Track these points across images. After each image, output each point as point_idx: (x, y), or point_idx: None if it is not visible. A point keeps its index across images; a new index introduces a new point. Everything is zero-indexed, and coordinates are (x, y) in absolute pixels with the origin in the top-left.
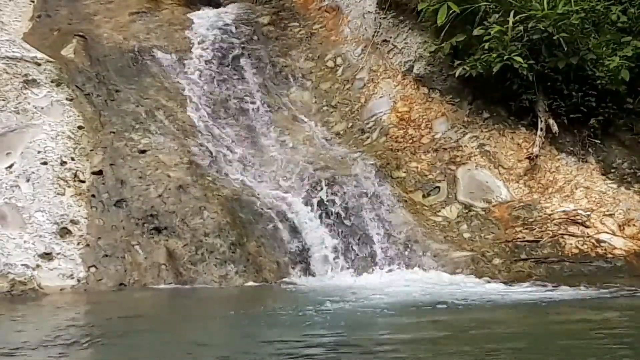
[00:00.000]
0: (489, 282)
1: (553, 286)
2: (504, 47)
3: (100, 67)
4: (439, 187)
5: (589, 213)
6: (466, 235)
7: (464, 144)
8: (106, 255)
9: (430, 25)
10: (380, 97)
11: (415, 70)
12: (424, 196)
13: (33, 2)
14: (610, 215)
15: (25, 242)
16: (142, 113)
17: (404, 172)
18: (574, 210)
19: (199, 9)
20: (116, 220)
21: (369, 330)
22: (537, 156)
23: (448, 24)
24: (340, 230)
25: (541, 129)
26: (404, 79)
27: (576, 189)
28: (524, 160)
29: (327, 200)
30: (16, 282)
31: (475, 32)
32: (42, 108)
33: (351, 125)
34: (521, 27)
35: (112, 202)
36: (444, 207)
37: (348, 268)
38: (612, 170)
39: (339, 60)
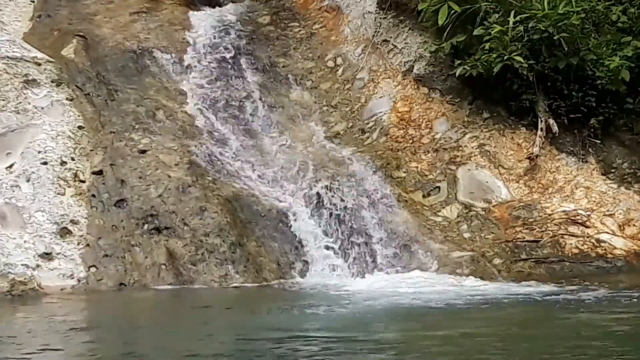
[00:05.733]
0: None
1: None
2: (504, 47)
3: (100, 67)
4: (439, 187)
5: (589, 213)
6: (466, 235)
7: (464, 144)
8: (106, 255)
9: (430, 25)
10: (381, 97)
11: (415, 70)
12: (424, 196)
13: (33, 2)
14: (610, 215)
15: (25, 242)
16: (142, 113)
17: (404, 172)
18: (574, 210)
19: (199, 9)
20: (116, 220)
21: (367, 330)
22: (537, 156)
23: (449, 24)
24: (340, 230)
25: (541, 129)
26: (404, 79)
27: (576, 189)
28: (524, 160)
29: (327, 200)
30: (16, 282)
31: (476, 32)
32: (42, 108)
33: (351, 125)
34: (521, 27)
35: (112, 202)
36: (444, 207)
37: (348, 268)
38: (612, 170)
39: (339, 60)
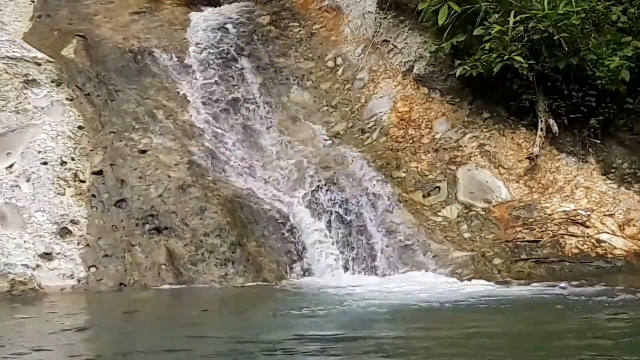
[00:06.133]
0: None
1: None
2: (504, 47)
3: (100, 67)
4: (439, 187)
5: (589, 213)
6: (466, 235)
7: (464, 144)
8: (106, 255)
9: (430, 25)
10: (381, 97)
11: (415, 70)
12: (424, 196)
13: (33, 2)
14: (610, 215)
15: (25, 242)
16: (142, 113)
17: (404, 172)
18: (574, 210)
19: (199, 9)
20: (116, 220)
21: (367, 331)
22: (537, 156)
23: (449, 24)
24: (340, 230)
25: (541, 129)
26: (404, 79)
27: (576, 189)
28: (524, 160)
29: (327, 200)
30: (16, 282)
31: (476, 32)
32: (42, 108)
33: (351, 125)
34: (521, 27)
35: (112, 202)
36: (444, 207)
37: (347, 268)
38: (612, 170)
39: (339, 60)
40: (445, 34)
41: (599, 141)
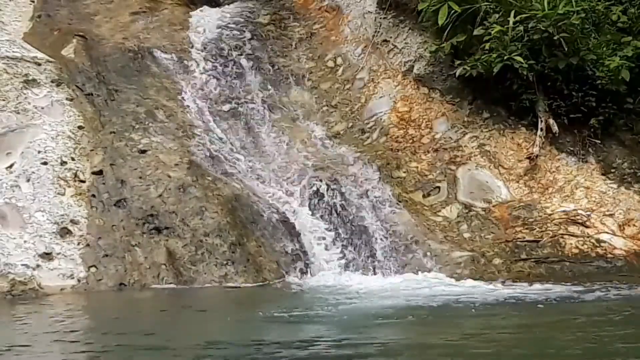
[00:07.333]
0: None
1: None
2: (504, 47)
3: (100, 67)
4: (439, 187)
5: (589, 213)
6: (466, 235)
7: (464, 144)
8: (106, 255)
9: (430, 25)
10: (381, 97)
11: (415, 70)
12: (424, 196)
13: (33, 2)
14: (610, 215)
15: (25, 242)
16: (142, 113)
17: (404, 172)
18: (574, 210)
19: (199, 9)
20: (116, 220)
21: (368, 333)
22: (537, 156)
23: (449, 24)
24: (340, 230)
25: (541, 129)
26: (404, 79)
27: (576, 189)
28: (524, 160)
29: (327, 200)
30: (16, 282)
31: (476, 32)
32: (42, 108)
33: (351, 125)
34: (521, 27)
35: (112, 202)
36: (444, 207)
37: (348, 268)
38: (612, 170)
39: (339, 60)
40: (445, 34)
41: (599, 141)
